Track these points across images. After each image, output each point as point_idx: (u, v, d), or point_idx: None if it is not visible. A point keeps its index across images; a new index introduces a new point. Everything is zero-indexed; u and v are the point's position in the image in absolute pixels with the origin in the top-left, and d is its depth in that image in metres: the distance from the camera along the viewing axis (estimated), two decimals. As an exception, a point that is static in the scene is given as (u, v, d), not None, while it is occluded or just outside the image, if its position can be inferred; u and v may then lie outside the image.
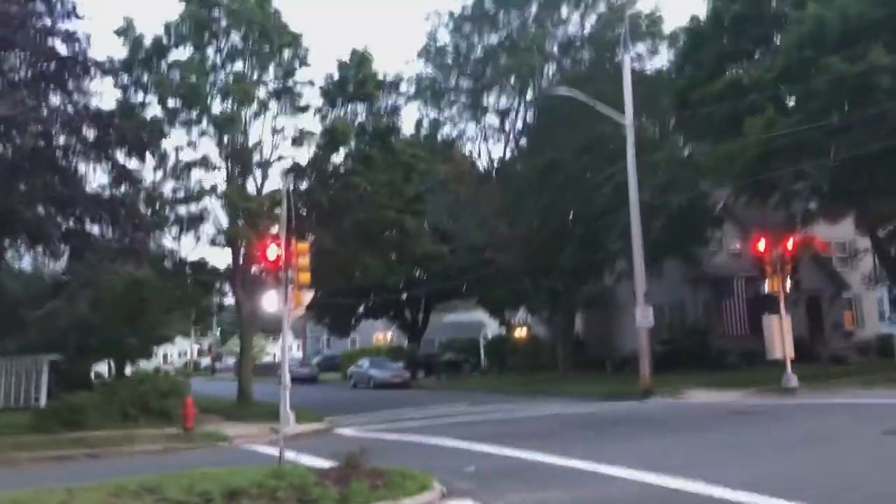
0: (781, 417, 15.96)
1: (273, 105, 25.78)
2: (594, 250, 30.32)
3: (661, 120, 34.16)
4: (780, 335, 23.86)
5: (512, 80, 42.61)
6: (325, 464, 9.74)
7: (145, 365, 37.44)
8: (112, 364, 36.22)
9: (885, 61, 20.68)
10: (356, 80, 24.66)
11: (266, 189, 25.70)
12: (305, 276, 19.56)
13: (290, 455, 13.10)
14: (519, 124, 43.92)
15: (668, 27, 38.04)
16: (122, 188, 19.70)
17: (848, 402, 19.16)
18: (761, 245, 23.75)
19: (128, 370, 33.46)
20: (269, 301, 20.15)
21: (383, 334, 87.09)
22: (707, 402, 21.49)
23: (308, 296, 19.95)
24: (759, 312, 34.93)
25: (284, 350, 20.74)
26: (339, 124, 24.01)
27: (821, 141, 22.91)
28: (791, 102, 25.86)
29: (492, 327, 67.53)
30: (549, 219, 30.71)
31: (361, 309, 56.98)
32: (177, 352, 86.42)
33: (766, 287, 24.11)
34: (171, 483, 7.84)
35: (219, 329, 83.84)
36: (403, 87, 33.08)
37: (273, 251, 19.51)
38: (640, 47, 38.50)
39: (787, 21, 25.87)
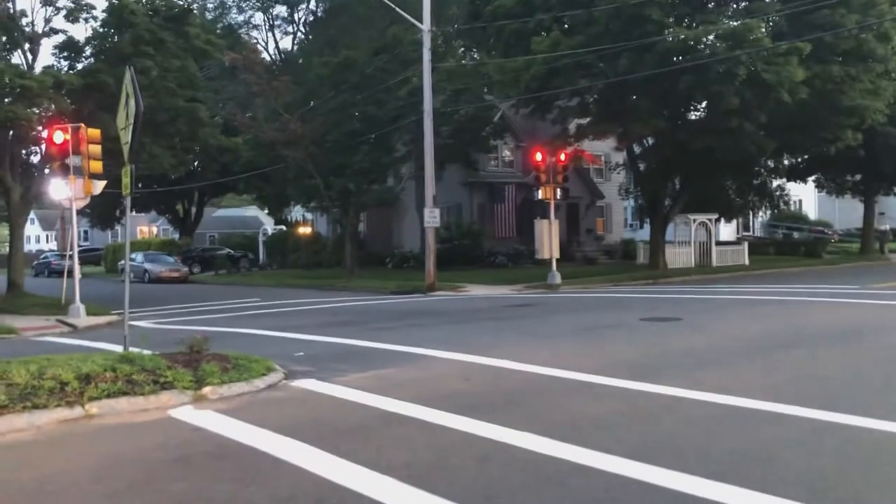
0: (555, 308, 18.28)
1: (46, -28, 23.36)
2: (385, 152, 31.28)
3: (451, 29, 35.30)
4: (548, 238, 26.60)
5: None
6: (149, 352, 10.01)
7: None
8: None
9: (657, -5, 23.14)
10: (146, -44, 22.96)
11: (38, 67, 23.65)
12: (97, 165, 18.69)
13: (97, 346, 13.08)
14: (309, 17, 43.06)
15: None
16: None
17: (603, 295, 22.19)
18: (538, 156, 26.07)
19: None
20: (57, 189, 19.06)
21: (149, 227, 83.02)
22: (485, 295, 23.73)
23: (99, 185, 19.11)
24: (525, 216, 38.34)
25: (74, 241, 19.82)
26: (129, 1, 22.35)
27: (596, 64, 25.29)
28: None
29: (268, 223, 67.02)
30: (342, 118, 31.03)
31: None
32: None
33: (540, 194, 26.61)
34: (17, 369, 7.81)
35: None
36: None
37: (59, 135, 18.36)
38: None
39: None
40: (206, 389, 8.13)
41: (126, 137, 9.16)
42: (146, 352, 9.14)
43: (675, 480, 5.16)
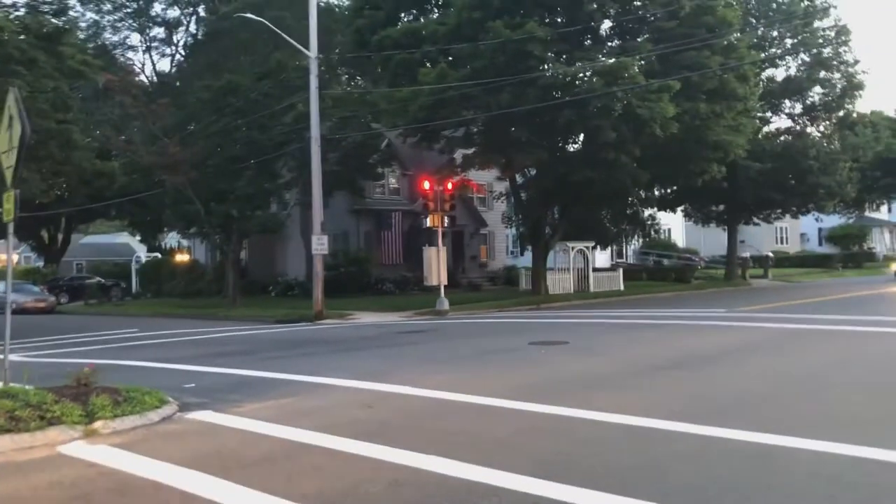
0: (446, 334, 18.51)
1: None
2: (270, 178, 30.86)
3: (336, 56, 35.41)
4: (436, 265, 26.94)
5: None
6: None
7: None
8: None
9: (539, 33, 24.10)
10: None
11: None
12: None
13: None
14: (188, 39, 42.05)
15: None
16: None
17: (491, 321, 22.67)
18: (426, 184, 26.45)
19: None
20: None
21: (6, 254, 77.91)
22: (374, 322, 23.72)
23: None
24: (412, 243, 38.63)
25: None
26: (-4, 17, 21.20)
27: (481, 96, 26.00)
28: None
29: (140, 251, 64.35)
30: (224, 143, 30.42)
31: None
32: None
33: (429, 222, 26.94)
34: None
35: None
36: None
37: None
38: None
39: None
40: (98, 424, 7.79)
41: (9, 161, 8.69)
42: (28, 386, 8.64)
43: (579, 496, 5.40)
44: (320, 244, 25.67)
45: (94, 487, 5.98)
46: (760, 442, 6.78)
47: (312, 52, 26.28)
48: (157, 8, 40.90)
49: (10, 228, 9.32)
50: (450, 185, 26.87)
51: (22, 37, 21.91)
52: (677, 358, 12.51)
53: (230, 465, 6.51)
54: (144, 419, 8.20)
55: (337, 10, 38.79)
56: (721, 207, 44.72)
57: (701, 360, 12.20)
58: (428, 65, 27.08)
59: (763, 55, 35.80)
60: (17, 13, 23.02)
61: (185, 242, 53.74)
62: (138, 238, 69.61)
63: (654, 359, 12.49)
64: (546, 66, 25.97)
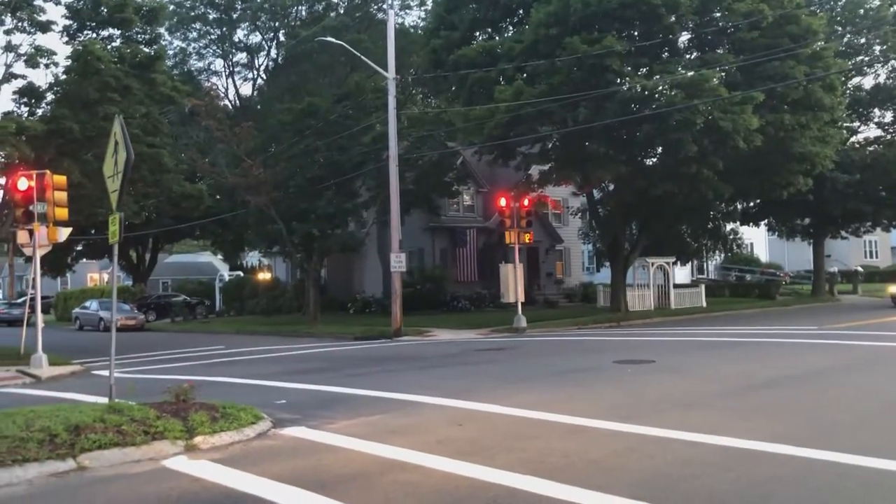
0: (527, 352, 18.39)
1: (7, 19, 23.22)
2: (349, 198, 31.41)
3: (412, 75, 35.91)
4: (513, 282, 26.84)
5: (263, 18, 41.87)
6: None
7: None
8: None
9: (617, 47, 23.88)
10: (113, 4, 22.95)
11: (-2, 111, 23.36)
12: (62, 212, 18.41)
13: (66, 396, 12.79)
14: (269, 63, 43.31)
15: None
16: None
17: (571, 338, 22.41)
18: (503, 201, 26.45)
19: None
20: (24, 236, 18.67)
21: (100, 274, 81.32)
22: (452, 339, 23.74)
23: (64, 232, 18.81)
24: (487, 260, 38.64)
25: (37, 289, 19.32)
26: (95, 48, 22.27)
27: (557, 111, 25.88)
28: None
29: (222, 269, 66.21)
30: (305, 164, 31.12)
31: (80, 246, 52.90)
32: None
33: (506, 238, 26.91)
34: (2, 421, 7.63)
35: None
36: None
37: (24, 182, 18.08)
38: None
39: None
40: (198, 439, 8.02)
41: (114, 185, 9.11)
42: (131, 402, 8.97)
43: (687, 520, 5.27)
44: (398, 262, 25.89)
45: (200, 501, 6.15)
46: (870, 466, 6.50)
47: (390, 73, 26.65)
48: (239, 34, 42.33)
49: (116, 249, 9.73)
50: (526, 202, 26.80)
51: (117, 65, 23.00)
52: (770, 377, 12.11)
53: (327, 480, 6.60)
54: (241, 435, 8.40)
55: (412, 31, 39.34)
56: (806, 221, 43.23)
57: (796, 379, 11.78)
58: (503, 82, 27.11)
59: (850, 63, 34.56)
60: (113, 44, 24.16)
61: (265, 261, 55.05)
62: (220, 257, 71.68)
63: (746, 378, 12.13)
64: (624, 80, 25.69)
